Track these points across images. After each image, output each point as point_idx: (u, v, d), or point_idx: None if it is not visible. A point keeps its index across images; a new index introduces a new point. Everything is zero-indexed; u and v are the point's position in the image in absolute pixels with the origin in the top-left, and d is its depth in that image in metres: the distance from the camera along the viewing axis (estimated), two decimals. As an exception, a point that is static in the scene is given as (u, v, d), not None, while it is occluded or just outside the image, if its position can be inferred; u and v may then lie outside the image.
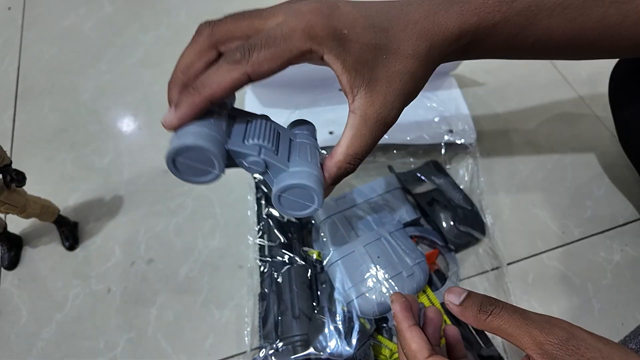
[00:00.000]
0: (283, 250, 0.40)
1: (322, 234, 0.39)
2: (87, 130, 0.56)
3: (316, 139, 0.28)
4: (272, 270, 0.39)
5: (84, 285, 0.43)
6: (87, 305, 0.42)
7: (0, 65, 0.62)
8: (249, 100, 0.54)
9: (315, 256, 0.40)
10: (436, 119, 0.52)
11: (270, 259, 0.40)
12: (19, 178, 0.37)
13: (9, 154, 0.37)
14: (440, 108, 0.53)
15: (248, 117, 0.25)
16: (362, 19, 0.24)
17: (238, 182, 0.49)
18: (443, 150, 0.50)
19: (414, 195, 0.43)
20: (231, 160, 0.24)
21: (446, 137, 0.49)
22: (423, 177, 0.47)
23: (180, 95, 0.23)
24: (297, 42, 0.23)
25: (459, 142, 0.49)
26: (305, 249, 0.40)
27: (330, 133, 0.51)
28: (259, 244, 0.42)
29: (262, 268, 0.40)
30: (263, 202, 0.45)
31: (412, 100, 0.26)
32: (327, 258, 0.37)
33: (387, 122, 0.25)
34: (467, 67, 0.58)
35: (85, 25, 0.67)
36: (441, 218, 0.43)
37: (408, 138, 0.49)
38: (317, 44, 0.23)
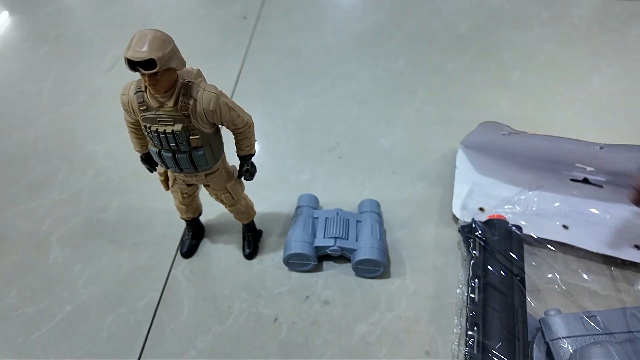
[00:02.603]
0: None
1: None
2: (289, 143, 0.54)
3: (379, 213, 0.42)
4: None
5: (251, 302, 0.39)
6: (250, 327, 0.37)
7: (225, 64, 0.65)
8: (460, 159, 0.49)
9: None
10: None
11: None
12: (253, 171, 0.34)
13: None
14: None
15: (327, 215, 0.41)
16: None
17: (443, 239, 0.42)
18: None
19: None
20: (320, 250, 0.39)
21: None
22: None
23: None
24: None
25: None
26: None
27: (565, 227, 0.42)
28: (469, 337, 0.34)
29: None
30: (478, 281, 0.36)
31: None
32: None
33: None
34: None
35: (307, 48, 0.68)
36: None
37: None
38: None
